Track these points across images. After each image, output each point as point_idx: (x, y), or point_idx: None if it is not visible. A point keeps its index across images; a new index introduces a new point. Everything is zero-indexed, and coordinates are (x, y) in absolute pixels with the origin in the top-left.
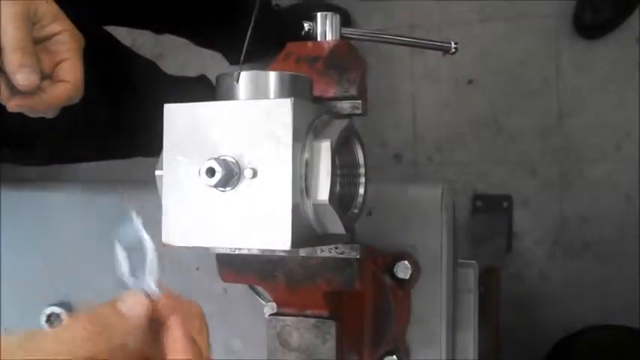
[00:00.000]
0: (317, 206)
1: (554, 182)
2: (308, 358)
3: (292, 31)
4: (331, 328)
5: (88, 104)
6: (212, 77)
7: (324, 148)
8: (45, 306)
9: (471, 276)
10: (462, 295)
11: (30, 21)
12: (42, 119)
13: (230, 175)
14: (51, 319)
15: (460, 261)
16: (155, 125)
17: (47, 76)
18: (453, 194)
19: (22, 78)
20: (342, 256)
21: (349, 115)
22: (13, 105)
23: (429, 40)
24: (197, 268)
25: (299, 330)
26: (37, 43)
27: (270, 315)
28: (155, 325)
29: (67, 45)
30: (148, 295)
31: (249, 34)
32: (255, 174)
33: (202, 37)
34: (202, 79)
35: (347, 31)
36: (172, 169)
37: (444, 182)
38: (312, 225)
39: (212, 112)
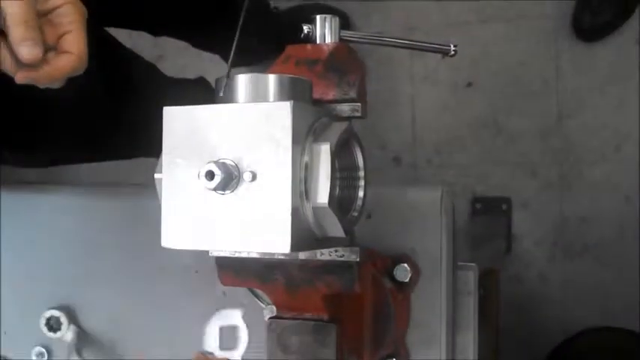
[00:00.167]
0: (316, 209)
1: (553, 183)
2: None
3: (291, 33)
4: (331, 331)
5: (87, 104)
6: (211, 80)
7: (324, 151)
8: (45, 309)
9: (470, 278)
10: (462, 298)
11: None
12: (42, 120)
13: (229, 178)
14: (50, 322)
15: (460, 263)
16: (154, 126)
17: (52, 48)
18: (452, 197)
19: (26, 51)
20: (341, 259)
21: (349, 118)
22: (20, 77)
23: (428, 43)
24: (196, 271)
25: (299, 333)
26: (41, 16)
27: (270, 318)
28: None
29: (70, 17)
30: None
31: (237, 33)
32: (254, 177)
33: (200, 39)
34: (201, 81)
35: (346, 33)
36: (172, 172)
37: (444, 185)
38: (311, 228)
39: (211, 115)
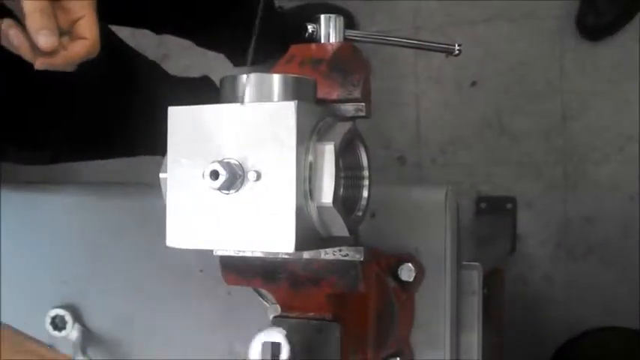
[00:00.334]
0: (321, 209)
1: (558, 184)
2: None
3: (296, 33)
4: (335, 330)
5: (90, 100)
6: (216, 79)
7: (328, 151)
8: (50, 308)
9: (474, 278)
10: (466, 297)
11: None
12: (46, 116)
13: (234, 178)
14: (55, 321)
15: (464, 263)
16: (158, 124)
17: (65, 33)
18: (456, 196)
19: (43, 40)
20: (345, 258)
21: (353, 118)
22: (39, 64)
23: (432, 42)
24: (201, 270)
25: (302, 332)
26: (54, 1)
27: (274, 317)
28: None
29: (81, 2)
30: None
31: (256, 28)
32: (258, 177)
33: (203, 38)
34: (205, 80)
35: (351, 33)
36: (176, 171)
37: (448, 184)
38: (315, 227)
39: (216, 115)
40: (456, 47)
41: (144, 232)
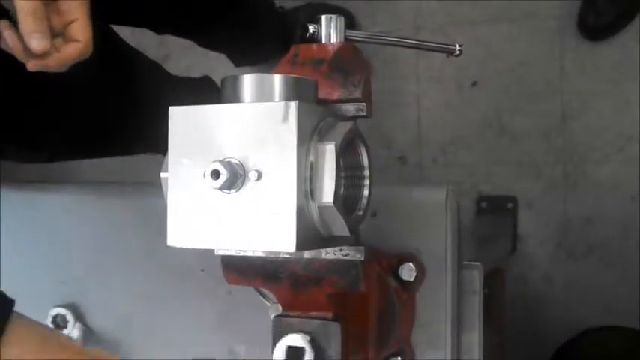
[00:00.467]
0: (322, 208)
1: (558, 183)
2: None
3: (297, 33)
4: (336, 330)
5: (90, 98)
6: (217, 79)
7: (329, 151)
8: (51, 307)
9: (475, 278)
10: (467, 297)
11: None
12: (47, 115)
13: (235, 178)
14: (57, 320)
15: (465, 262)
16: (158, 124)
17: (58, 35)
18: (457, 196)
19: (36, 44)
20: (346, 258)
21: (354, 118)
22: (31, 65)
23: (433, 43)
24: (202, 270)
25: (303, 332)
26: (48, 4)
27: (275, 316)
28: None
29: (75, 5)
30: None
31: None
32: (259, 176)
33: (204, 38)
34: (206, 80)
35: (352, 33)
36: (177, 171)
37: (449, 184)
38: (316, 227)
39: (217, 115)
40: (457, 47)
41: (144, 232)
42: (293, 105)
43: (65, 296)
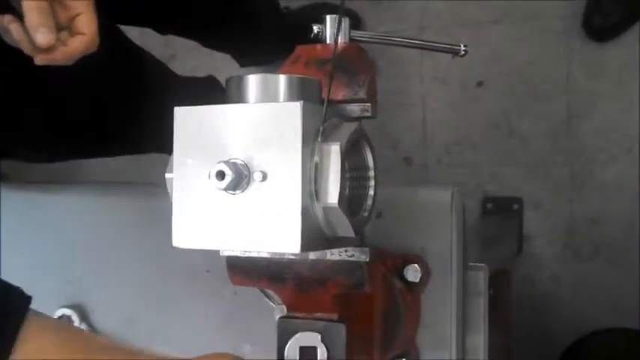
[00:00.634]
0: (326, 209)
1: (565, 184)
2: None
3: (301, 33)
4: (341, 330)
5: (96, 98)
6: (222, 79)
7: (334, 152)
8: (56, 307)
9: (481, 279)
10: (472, 298)
11: None
12: (52, 114)
13: (240, 178)
14: (62, 320)
15: (470, 264)
16: (163, 124)
17: (64, 28)
18: (463, 197)
19: (41, 38)
20: (351, 259)
21: (359, 118)
22: (39, 60)
23: (438, 43)
24: (207, 271)
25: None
26: None
27: (280, 317)
28: None
29: None
30: None
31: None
32: (264, 177)
33: (208, 38)
34: (211, 80)
35: (356, 33)
36: (182, 172)
37: (454, 185)
38: (321, 228)
39: (222, 115)
40: (462, 48)
41: (149, 232)
42: (298, 105)
43: (70, 297)
